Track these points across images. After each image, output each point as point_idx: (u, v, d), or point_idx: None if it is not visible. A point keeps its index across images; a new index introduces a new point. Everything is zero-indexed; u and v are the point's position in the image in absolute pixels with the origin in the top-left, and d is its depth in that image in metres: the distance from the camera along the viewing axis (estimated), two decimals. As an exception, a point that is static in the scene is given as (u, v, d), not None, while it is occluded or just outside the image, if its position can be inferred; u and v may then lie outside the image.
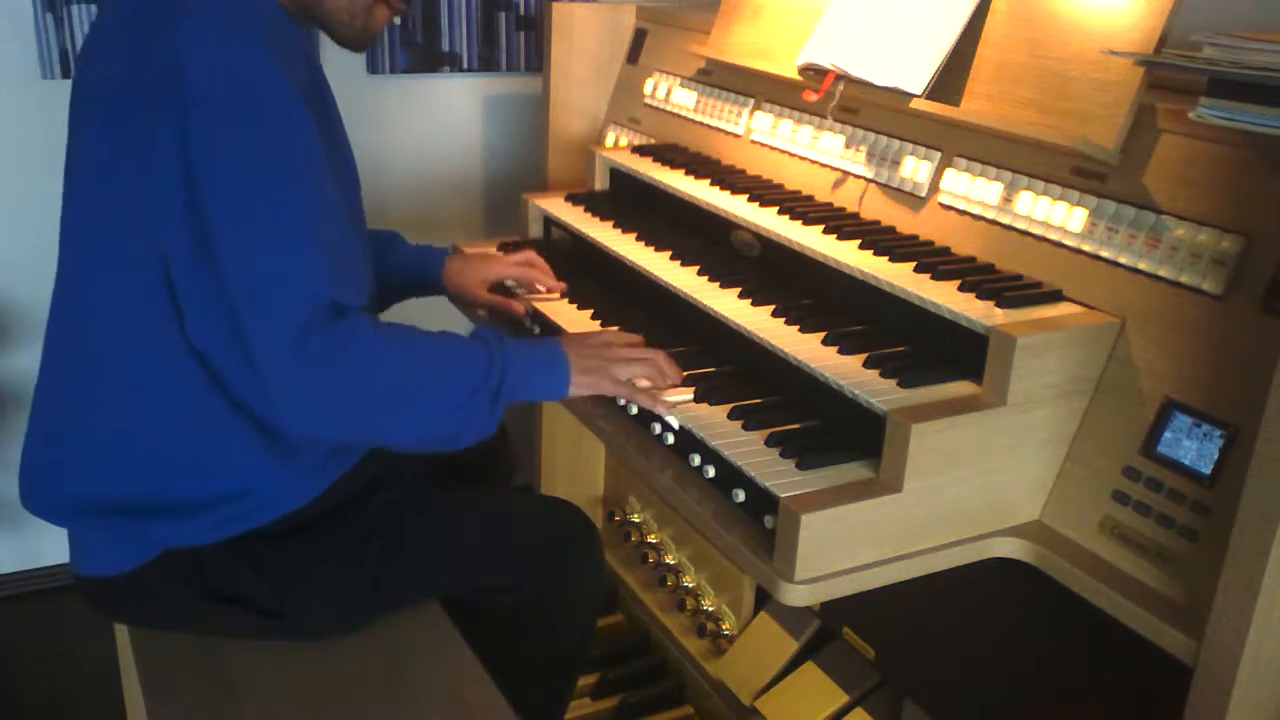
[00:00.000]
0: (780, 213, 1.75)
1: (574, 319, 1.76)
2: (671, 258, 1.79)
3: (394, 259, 1.81)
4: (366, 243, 1.49)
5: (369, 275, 1.44)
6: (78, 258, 1.40)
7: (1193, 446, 1.23)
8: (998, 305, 1.38)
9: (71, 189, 1.40)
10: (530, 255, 1.86)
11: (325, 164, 1.30)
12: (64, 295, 1.42)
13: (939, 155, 1.64)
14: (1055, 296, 1.40)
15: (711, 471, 1.38)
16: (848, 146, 1.79)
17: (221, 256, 1.24)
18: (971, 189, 1.56)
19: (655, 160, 2.09)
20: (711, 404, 1.47)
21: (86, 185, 1.37)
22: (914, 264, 1.52)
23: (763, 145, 1.98)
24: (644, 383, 1.48)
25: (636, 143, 2.31)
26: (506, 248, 2.04)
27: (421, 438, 1.36)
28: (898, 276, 1.49)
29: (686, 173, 1.99)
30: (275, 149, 1.24)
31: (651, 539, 2.37)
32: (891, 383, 1.36)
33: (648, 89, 2.32)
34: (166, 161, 1.24)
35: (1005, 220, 1.51)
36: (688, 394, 1.48)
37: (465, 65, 2.77)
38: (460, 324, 1.67)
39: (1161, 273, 1.30)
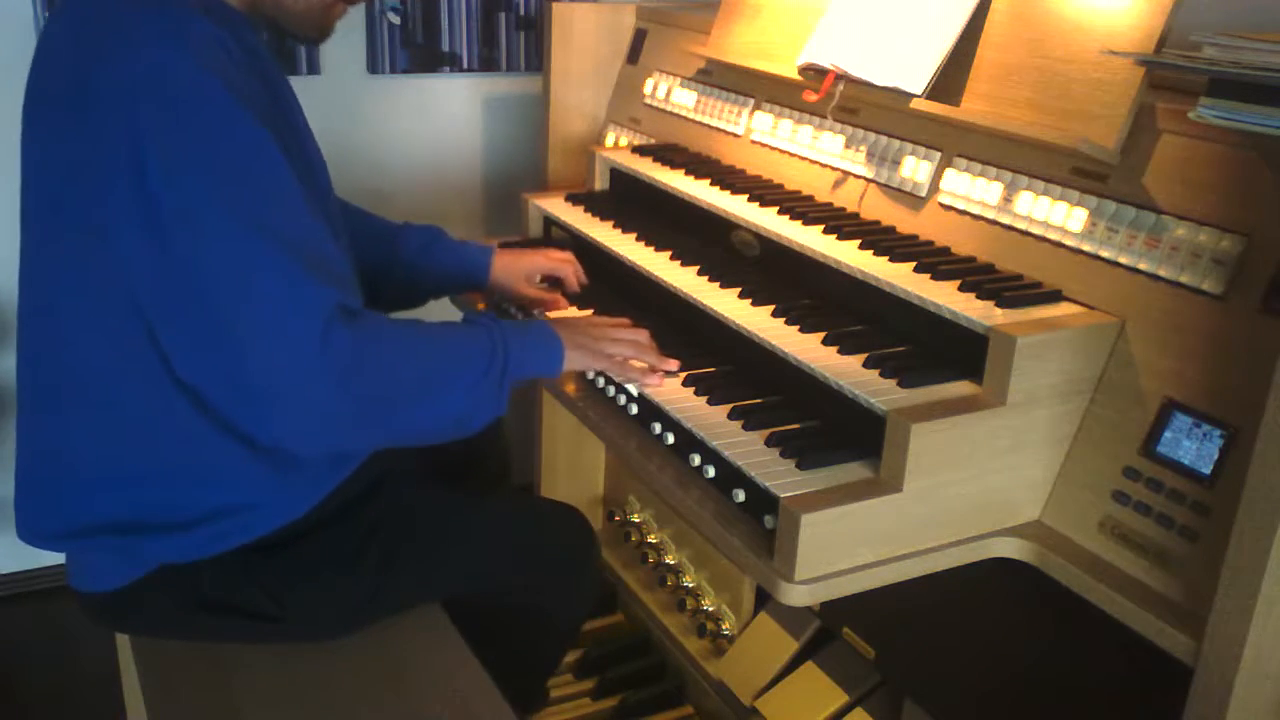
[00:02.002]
0: (780, 213, 1.75)
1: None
2: (671, 258, 1.79)
3: (440, 255, 1.82)
4: (345, 241, 1.47)
5: (356, 277, 1.43)
6: (45, 292, 1.34)
7: (1193, 446, 1.23)
8: (998, 305, 1.38)
9: (27, 212, 1.34)
10: (570, 256, 1.88)
11: (295, 183, 1.26)
12: (34, 325, 1.37)
13: (939, 155, 1.64)
14: (1055, 296, 1.40)
15: (711, 471, 1.38)
16: (848, 146, 1.79)
17: (218, 298, 1.20)
18: (971, 189, 1.56)
19: (655, 160, 2.09)
20: (711, 404, 1.47)
21: (42, 220, 1.32)
22: (914, 264, 1.52)
23: (763, 145, 1.98)
24: (635, 363, 1.53)
25: (636, 143, 2.31)
26: (508, 247, 2.03)
27: (438, 427, 1.35)
28: (898, 276, 1.49)
29: (686, 173, 1.99)
30: (244, 186, 1.21)
31: (651, 539, 2.37)
32: (891, 383, 1.36)
33: (648, 89, 2.32)
34: (127, 216, 1.20)
35: (1005, 220, 1.51)
36: (673, 364, 1.55)
37: (465, 65, 2.77)
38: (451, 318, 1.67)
39: (1161, 273, 1.30)
